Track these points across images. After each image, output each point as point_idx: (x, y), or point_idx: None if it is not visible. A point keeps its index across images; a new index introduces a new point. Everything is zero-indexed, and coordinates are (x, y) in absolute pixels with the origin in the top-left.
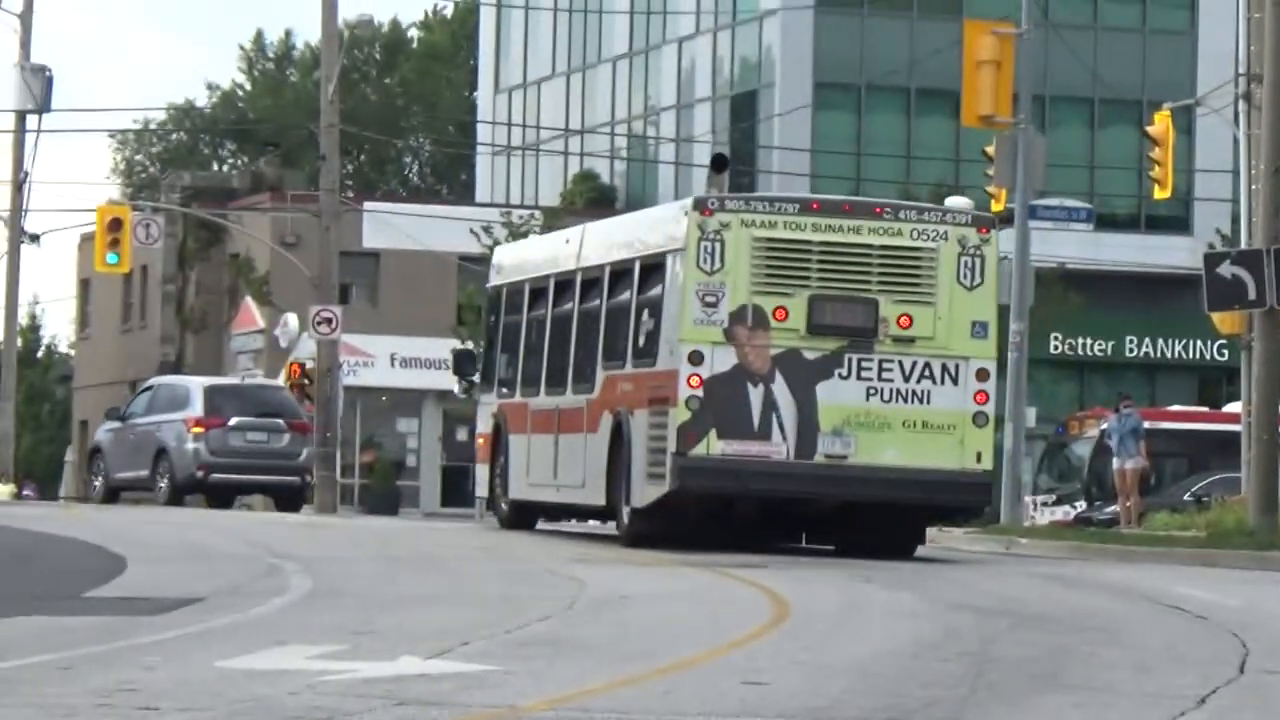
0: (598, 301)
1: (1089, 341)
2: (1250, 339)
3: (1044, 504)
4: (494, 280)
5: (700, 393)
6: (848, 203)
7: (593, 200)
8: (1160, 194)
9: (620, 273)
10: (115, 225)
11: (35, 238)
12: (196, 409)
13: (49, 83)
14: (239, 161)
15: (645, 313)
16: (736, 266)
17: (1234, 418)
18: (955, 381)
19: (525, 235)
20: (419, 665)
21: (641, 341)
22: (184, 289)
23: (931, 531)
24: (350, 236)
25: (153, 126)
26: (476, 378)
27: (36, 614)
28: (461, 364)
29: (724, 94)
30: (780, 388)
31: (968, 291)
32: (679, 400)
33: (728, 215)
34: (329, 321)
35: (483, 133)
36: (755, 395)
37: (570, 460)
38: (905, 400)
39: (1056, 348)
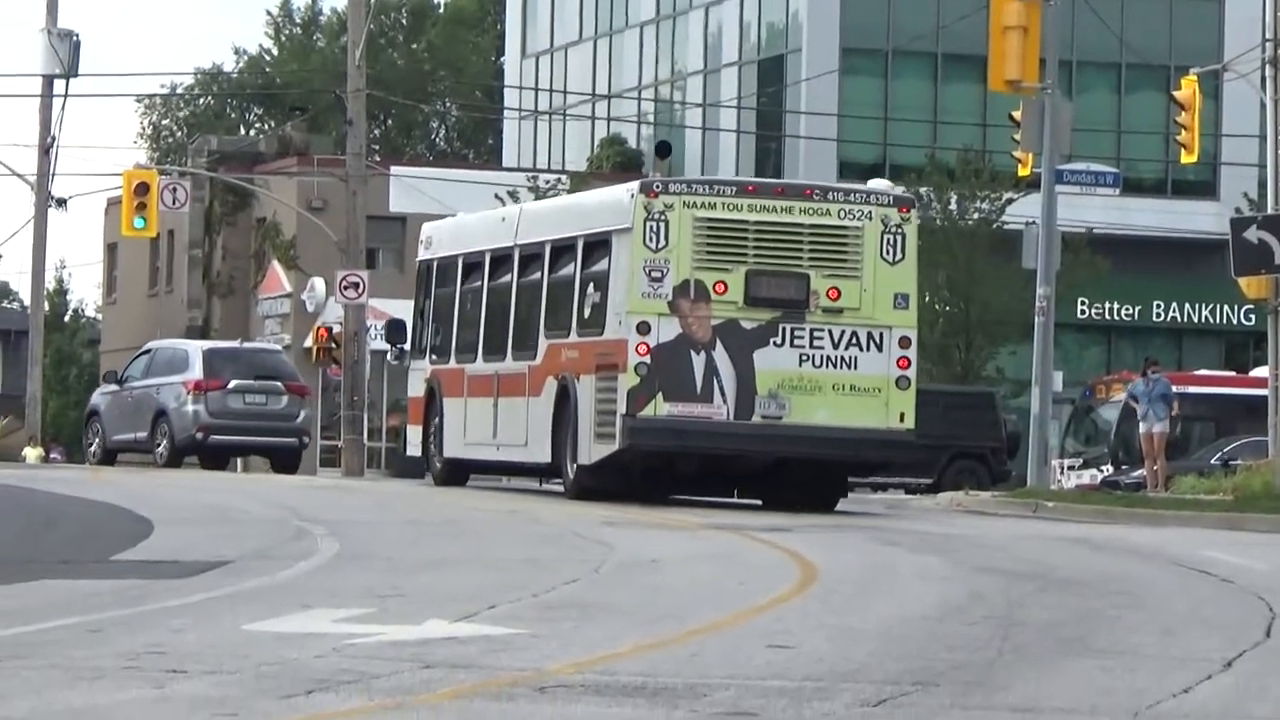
0: (538, 275)
1: (1116, 306)
2: (1277, 303)
3: (1071, 468)
4: (424, 254)
5: (648, 359)
6: (780, 185)
7: (619, 164)
8: (1187, 159)
9: (562, 249)
10: (142, 190)
11: (62, 202)
12: (196, 372)
13: (76, 47)
14: (266, 126)
15: (590, 286)
16: (680, 244)
17: (1261, 382)
18: (880, 348)
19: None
20: (446, 628)
21: (587, 313)
22: (211, 253)
23: (958, 495)
24: (377, 201)
25: (180, 91)
26: (407, 345)
27: (64, 577)
28: (392, 332)
29: (751, 59)
30: (721, 355)
31: (890, 266)
32: (628, 367)
33: (671, 197)
34: (356, 286)
35: (510, 97)
36: (698, 362)
37: (512, 421)
38: (835, 366)
39: (1083, 312)
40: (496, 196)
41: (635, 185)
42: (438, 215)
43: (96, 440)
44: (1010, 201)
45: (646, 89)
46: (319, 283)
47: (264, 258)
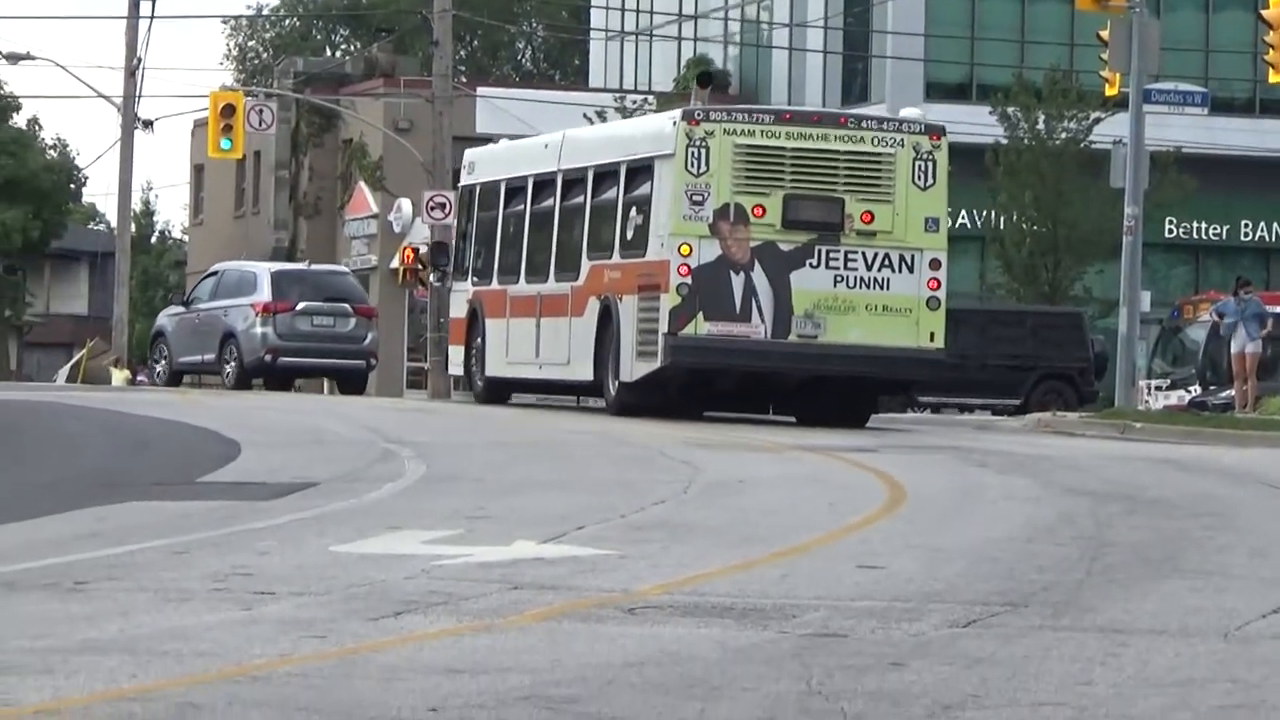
0: (581, 199)
1: (1204, 225)
2: None
3: (1158, 388)
4: (466, 179)
5: (689, 280)
6: (817, 114)
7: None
8: (1275, 77)
9: (605, 174)
10: (228, 111)
11: (149, 124)
12: (264, 294)
13: None
14: (352, 47)
15: (633, 209)
16: (720, 170)
17: None
18: (911, 270)
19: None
20: (533, 550)
21: (630, 235)
22: (297, 175)
23: (1045, 416)
24: (463, 122)
25: (266, 12)
26: (450, 268)
27: (152, 499)
28: (436, 255)
29: None
30: (759, 276)
31: (922, 191)
32: (670, 287)
33: (712, 125)
34: (442, 207)
35: (596, 18)
36: (737, 283)
37: (554, 341)
38: (868, 287)
39: (1171, 231)
40: (585, 117)
41: (678, 113)
42: (524, 137)
43: (163, 361)
44: (1098, 121)
45: (734, 9)
46: (405, 204)
47: (350, 179)
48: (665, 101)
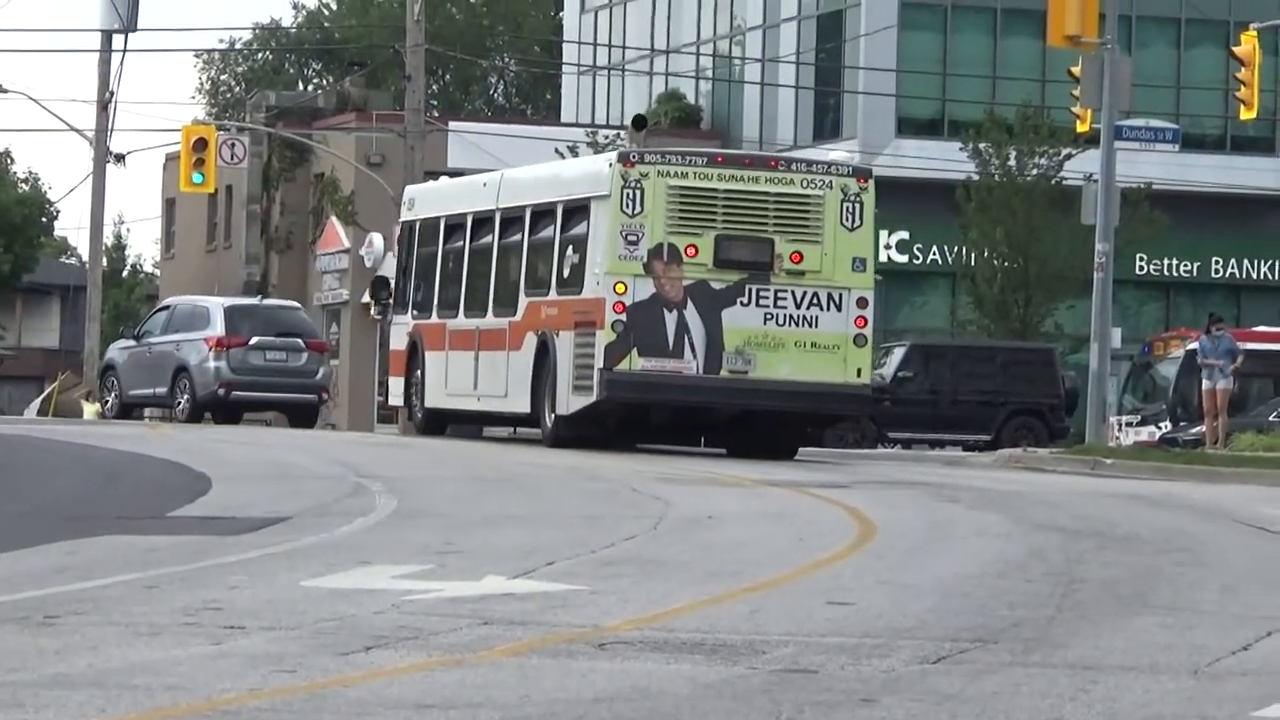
0: (519, 237)
1: (1175, 262)
2: None
3: (1129, 424)
4: (406, 215)
5: (624, 317)
6: (748, 157)
7: (678, 120)
8: (1246, 114)
9: (543, 213)
10: (201, 145)
11: (121, 157)
12: (218, 329)
13: (135, 2)
14: (324, 81)
15: (570, 248)
16: (654, 210)
17: None
18: (839, 308)
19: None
20: (504, 585)
21: (566, 273)
22: (269, 209)
23: (1016, 452)
24: (435, 156)
25: (238, 46)
26: (390, 301)
27: (122, 533)
28: (377, 289)
29: (810, 13)
30: (691, 314)
31: (849, 232)
32: (606, 324)
33: (646, 167)
34: None
35: (568, 52)
36: (670, 320)
37: (492, 374)
38: (797, 324)
39: (1142, 268)
40: (557, 151)
41: (614, 156)
42: (492, 169)
43: (113, 395)
44: (1069, 157)
45: (705, 44)
46: (377, 238)
47: (322, 213)
48: (636, 136)
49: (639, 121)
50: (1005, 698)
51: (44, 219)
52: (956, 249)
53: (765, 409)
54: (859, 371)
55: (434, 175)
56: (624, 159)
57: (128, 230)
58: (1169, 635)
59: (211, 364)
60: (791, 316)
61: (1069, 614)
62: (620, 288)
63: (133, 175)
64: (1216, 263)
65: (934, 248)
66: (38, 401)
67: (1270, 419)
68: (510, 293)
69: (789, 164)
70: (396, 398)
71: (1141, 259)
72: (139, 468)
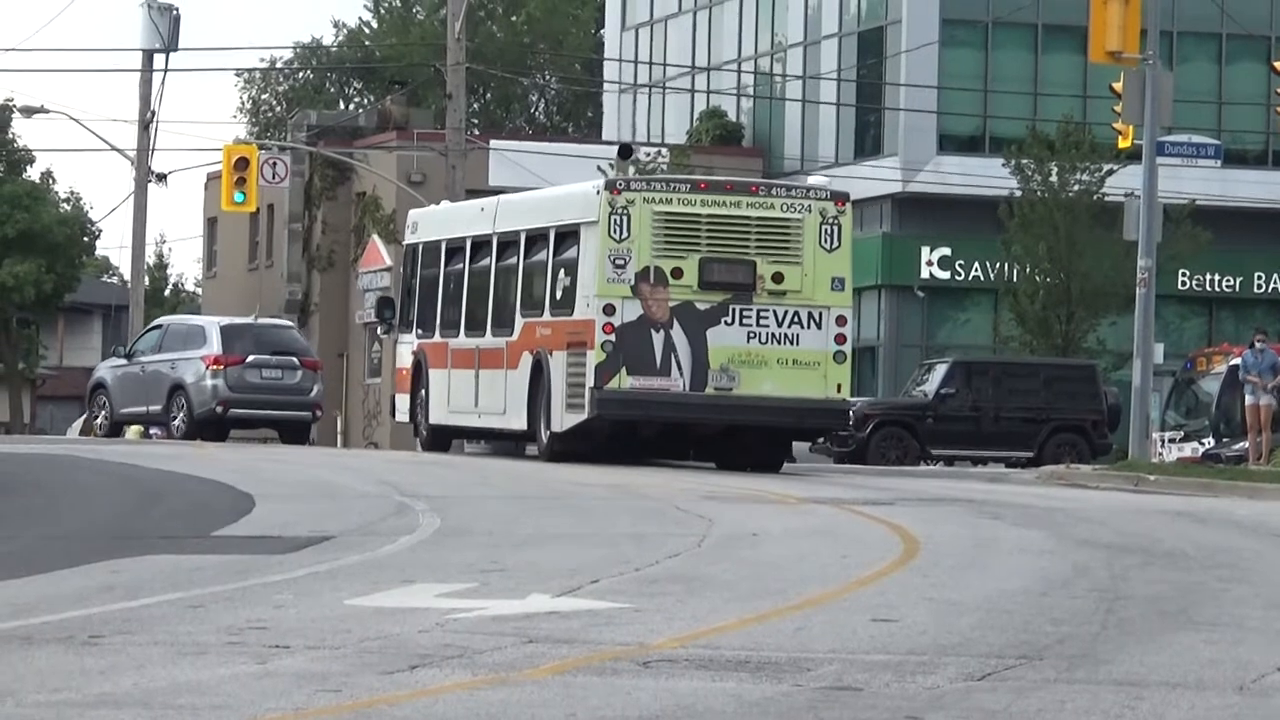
0: (515, 260)
1: (1217, 278)
2: None
3: (1171, 440)
4: (410, 238)
5: (613, 338)
6: (730, 182)
7: (719, 138)
8: None
9: (536, 238)
10: (242, 164)
11: (162, 177)
12: (214, 347)
13: (176, 22)
14: (365, 100)
15: (561, 271)
16: (641, 235)
17: None
18: (819, 326)
19: (653, 173)
20: (548, 603)
21: (559, 295)
22: (310, 228)
23: (1059, 468)
24: (476, 174)
25: (279, 65)
26: (395, 321)
27: (168, 553)
28: (382, 309)
29: (851, 30)
30: (677, 333)
31: (828, 253)
32: (596, 344)
33: (633, 194)
34: None
35: (610, 70)
36: (657, 339)
37: (491, 391)
38: (779, 342)
39: (1184, 284)
40: (599, 169)
41: (601, 183)
42: (534, 188)
43: (103, 412)
44: (1111, 173)
45: (746, 61)
46: None
47: (364, 232)
48: (679, 154)
49: (624, 150)
50: (1050, 714)
51: (86, 239)
52: (998, 265)
53: (749, 424)
54: (839, 387)
55: (476, 193)
56: (611, 186)
57: (169, 249)
58: (1214, 651)
59: (209, 382)
60: (773, 335)
61: (1113, 630)
62: (609, 309)
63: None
64: (1259, 278)
65: (976, 264)
66: (80, 421)
67: None
68: (507, 313)
69: (769, 188)
70: (403, 414)
71: (1184, 274)
72: (183, 487)
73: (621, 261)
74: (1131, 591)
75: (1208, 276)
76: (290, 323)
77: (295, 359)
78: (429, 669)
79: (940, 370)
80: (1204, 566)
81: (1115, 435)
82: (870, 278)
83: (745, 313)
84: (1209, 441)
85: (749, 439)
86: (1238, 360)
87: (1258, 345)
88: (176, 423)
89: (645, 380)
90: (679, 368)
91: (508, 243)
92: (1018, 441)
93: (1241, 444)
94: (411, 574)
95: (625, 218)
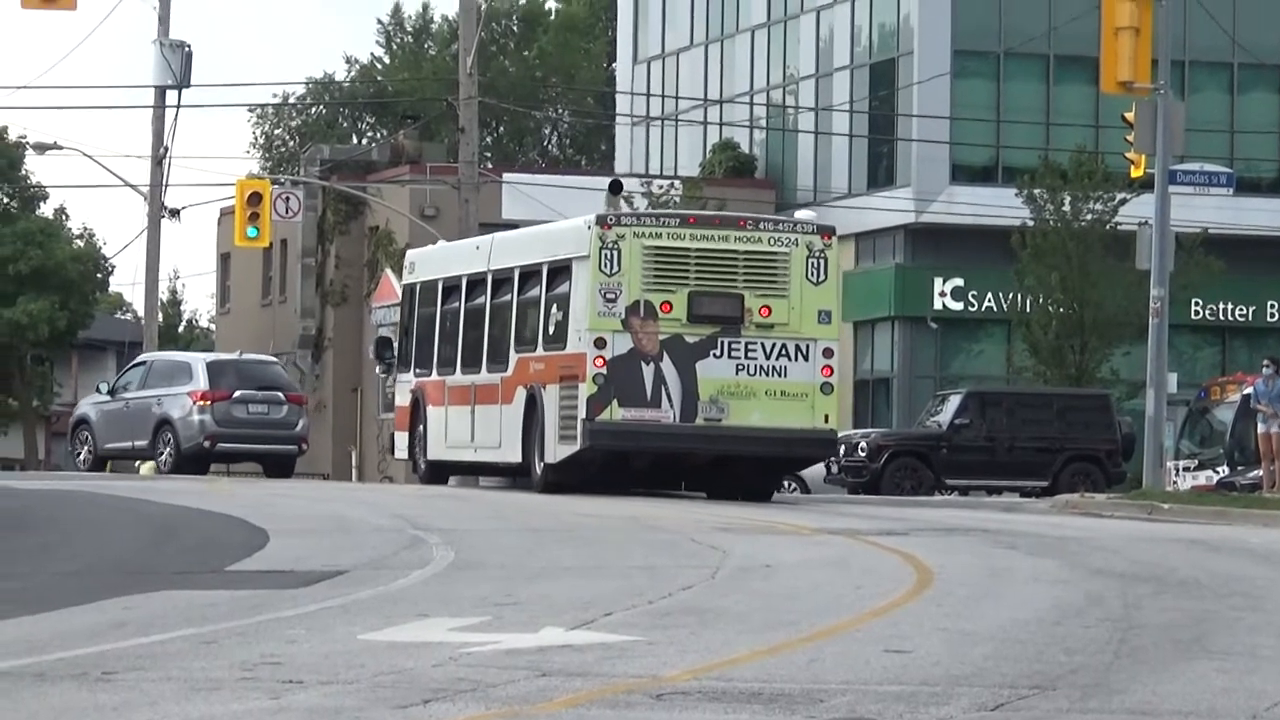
0: (508, 297)
1: (1230, 306)
2: None
3: (1186, 469)
4: (408, 278)
5: (604, 371)
6: (717, 217)
7: (732, 170)
8: None
9: (529, 274)
10: (255, 199)
11: (175, 213)
12: (201, 383)
13: (188, 58)
14: (378, 135)
15: (554, 307)
16: (631, 270)
17: None
18: (806, 358)
19: (666, 205)
20: (562, 636)
21: (551, 330)
22: (324, 262)
23: (1073, 498)
24: (490, 208)
25: (292, 100)
26: (394, 360)
27: (180, 588)
28: (381, 350)
29: (863, 62)
30: (667, 366)
31: (814, 286)
32: (587, 377)
33: (623, 229)
34: None
35: (622, 103)
36: (648, 372)
37: (487, 426)
38: (767, 374)
39: (1197, 313)
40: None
41: (592, 218)
42: (548, 221)
43: (85, 448)
44: (1124, 202)
45: (758, 93)
46: None
47: (377, 266)
48: (691, 186)
49: (615, 186)
50: None
51: (99, 275)
52: (1011, 295)
53: (739, 454)
54: (826, 417)
55: (489, 226)
56: (601, 221)
57: (183, 285)
58: (1227, 680)
59: (196, 417)
60: (761, 367)
61: (1126, 660)
62: (600, 343)
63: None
64: (1272, 306)
65: (989, 294)
66: (152, 462)
67: None
68: (502, 350)
69: (756, 223)
70: (402, 451)
71: (1197, 303)
72: (197, 522)
73: (612, 295)
74: (1145, 620)
75: (1221, 305)
76: (274, 359)
77: (280, 394)
78: (443, 703)
79: (954, 401)
80: (1217, 595)
81: (1129, 464)
82: (883, 309)
83: (734, 345)
84: (1223, 470)
85: (739, 469)
86: (1251, 389)
87: (1266, 373)
88: (163, 457)
89: (636, 412)
90: (669, 399)
91: (502, 279)
92: (1032, 471)
93: (1255, 472)
94: (425, 608)
95: (616, 252)
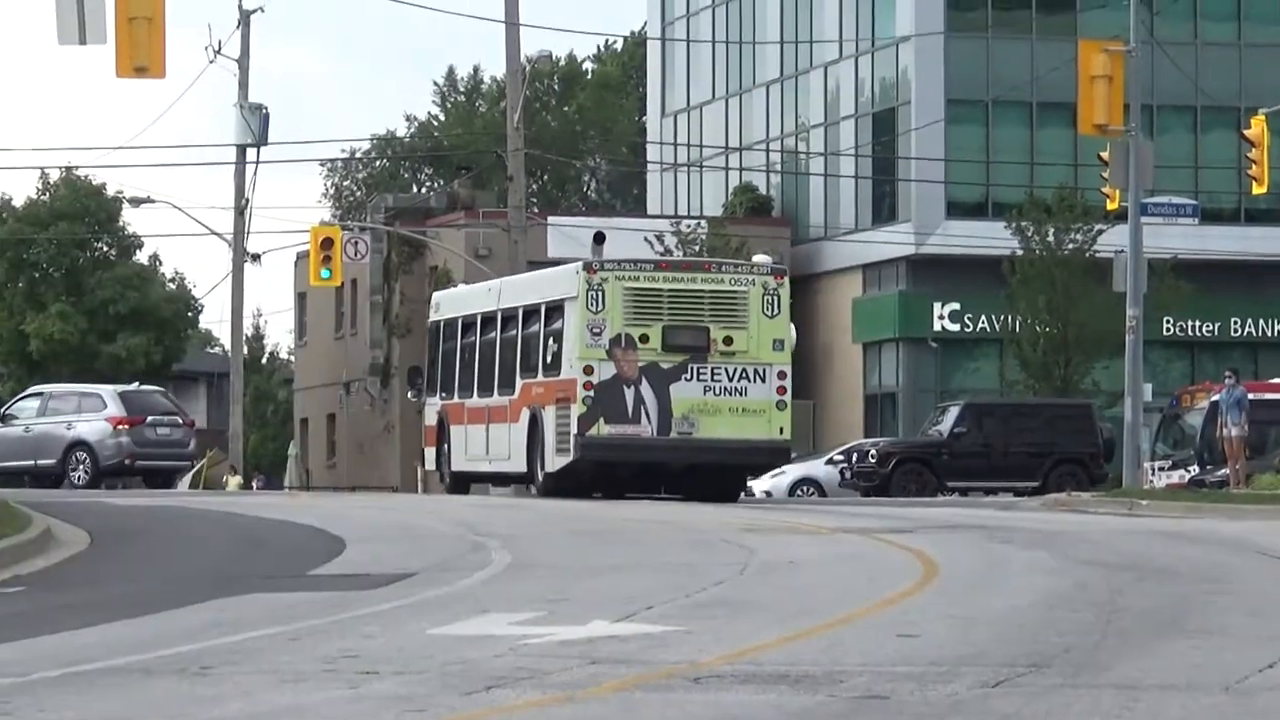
0: (514, 332)
1: (1197, 324)
2: None
3: (1161, 469)
4: (434, 316)
5: (592, 393)
6: (686, 262)
7: (751, 209)
8: (1258, 189)
9: (531, 312)
10: (327, 244)
11: (257, 257)
12: (117, 410)
13: (265, 119)
14: (435, 184)
15: (551, 340)
16: (613, 307)
17: None
18: (763, 380)
19: (694, 242)
20: (608, 628)
21: (549, 359)
22: (390, 299)
23: (1061, 496)
24: (536, 248)
25: (358, 155)
26: (424, 386)
27: (268, 591)
28: (413, 377)
29: (866, 111)
30: (646, 388)
31: (769, 319)
32: (578, 399)
33: (606, 273)
34: None
35: (652, 152)
36: (629, 394)
37: (498, 442)
38: (730, 394)
39: (1168, 330)
40: (645, 240)
41: (579, 265)
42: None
43: None
44: (1101, 232)
45: (774, 141)
46: None
47: None
48: (716, 225)
49: (599, 237)
50: (1058, 715)
51: (190, 314)
52: (1003, 317)
53: (707, 463)
54: (780, 429)
55: (536, 264)
56: (587, 267)
57: (265, 321)
58: (1202, 656)
59: (113, 439)
60: (725, 388)
61: (1112, 639)
62: (589, 370)
63: (268, 272)
64: (1235, 323)
65: (983, 317)
66: (189, 476)
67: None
68: (510, 376)
69: (719, 266)
70: (430, 464)
71: (1168, 321)
72: (281, 532)
73: (598, 330)
74: (1128, 605)
75: (1189, 323)
76: (161, 389)
77: (179, 418)
78: (504, 689)
79: (953, 412)
80: (1192, 581)
81: (1110, 465)
82: (889, 331)
83: (701, 370)
84: (1194, 469)
85: (708, 475)
86: (1217, 397)
87: (1228, 383)
88: (77, 475)
89: (620, 428)
90: (648, 417)
91: (509, 317)
92: (1024, 473)
93: (1223, 471)
94: (486, 604)
95: (600, 293)
